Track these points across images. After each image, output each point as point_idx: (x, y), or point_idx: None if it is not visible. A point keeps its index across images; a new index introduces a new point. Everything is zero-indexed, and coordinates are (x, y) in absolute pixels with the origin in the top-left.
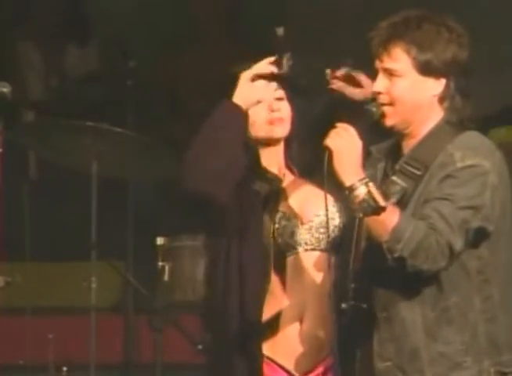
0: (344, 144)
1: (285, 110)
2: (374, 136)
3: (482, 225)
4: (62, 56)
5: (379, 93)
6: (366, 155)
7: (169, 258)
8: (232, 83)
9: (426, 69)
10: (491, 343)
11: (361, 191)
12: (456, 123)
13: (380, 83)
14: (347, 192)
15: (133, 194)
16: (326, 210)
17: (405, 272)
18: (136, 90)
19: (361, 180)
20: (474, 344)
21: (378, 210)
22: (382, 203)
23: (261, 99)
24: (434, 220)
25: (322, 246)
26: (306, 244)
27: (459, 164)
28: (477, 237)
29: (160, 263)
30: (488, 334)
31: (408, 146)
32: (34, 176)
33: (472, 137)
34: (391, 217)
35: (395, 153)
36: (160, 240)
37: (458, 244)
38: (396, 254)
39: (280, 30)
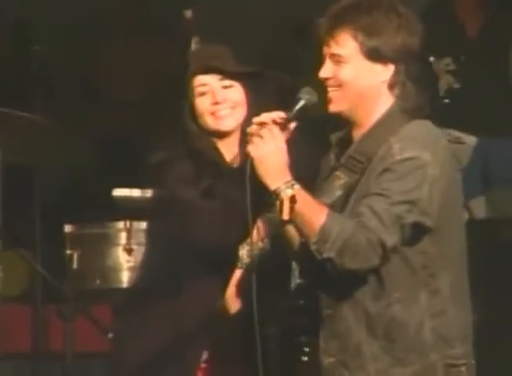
0: (267, 149)
1: (233, 98)
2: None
3: (419, 220)
4: None
5: (326, 79)
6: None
7: (77, 246)
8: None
9: (373, 55)
10: (439, 337)
11: (286, 194)
12: (408, 111)
13: (327, 69)
14: (273, 196)
15: (40, 181)
16: (251, 224)
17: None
18: (41, 74)
19: (286, 183)
20: (419, 339)
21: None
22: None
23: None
24: (365, 217)
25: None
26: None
27: (398, 157)
28: (416, 232)
29: (68, 251)
30: (436, 328)
31: (357, 135)
32: None
33: (416, 127)
34: (318, 217)
35: (346, 142)
36: (68, 228)
37: (391, 240)
38: (324, 255)
39: (188, 13)
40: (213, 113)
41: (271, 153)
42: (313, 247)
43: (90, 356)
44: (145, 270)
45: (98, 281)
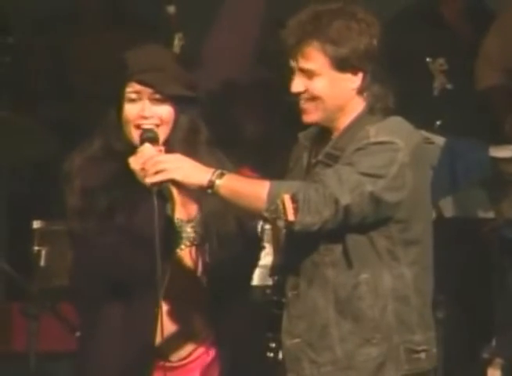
0: (172, 163)
1: (160, 115)
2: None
3: (381, 195)
4: None
5: (299, 93)
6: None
7: (46, 243)
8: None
9: (343, 65)
10: (400, 321)
11: (221, 183)
12: (378, 110)
13: (299, 83)
14: (209, 191)
15: (7, 176)
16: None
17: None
18: (13, 68)
19: (213, 173)
20: (383, 320)
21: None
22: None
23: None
24: (326, 176)
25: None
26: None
27: (372, 139)
28: (382, 209)
29: (36, 248)
30: (397, 312)
31: (332, 135)
32: None
33: (393, 120)
34: (261, 188)
35: (322, 140)
36: (36, 224)
37: (344, 198)
38: (280, 219)
39: (171, 9)
40: (137, 127)
41: (178, 161)
42: (269, 216)
43: (56, 356)
44: (73, 270)
45: (66, 278)
